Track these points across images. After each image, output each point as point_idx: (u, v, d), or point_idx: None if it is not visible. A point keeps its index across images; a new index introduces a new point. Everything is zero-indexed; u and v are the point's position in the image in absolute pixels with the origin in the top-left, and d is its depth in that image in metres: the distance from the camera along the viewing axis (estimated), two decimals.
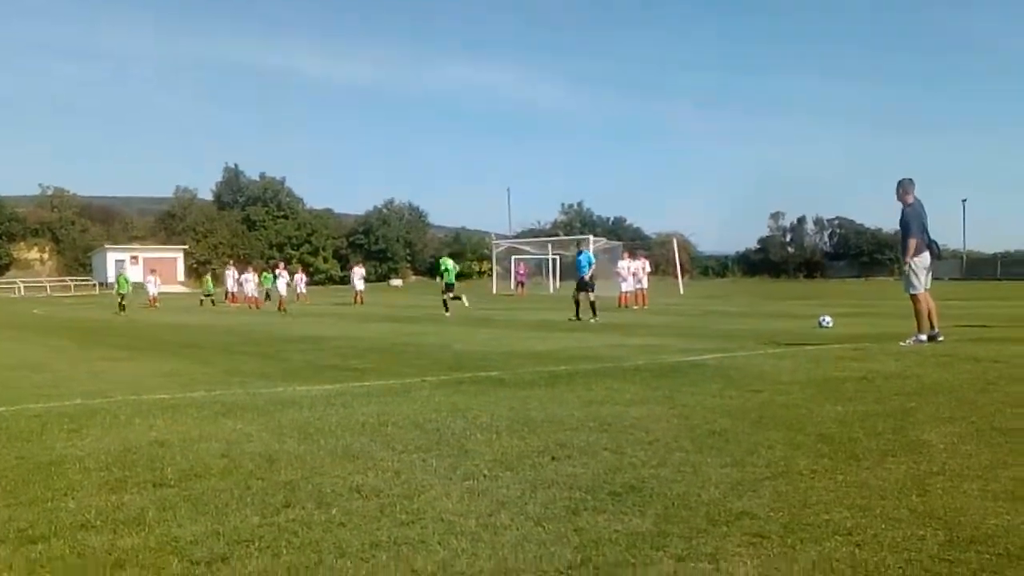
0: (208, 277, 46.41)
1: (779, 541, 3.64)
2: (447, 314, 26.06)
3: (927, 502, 4.15)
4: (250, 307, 36.41)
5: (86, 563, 3.55)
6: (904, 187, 12.36)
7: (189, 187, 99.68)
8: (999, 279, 72.11)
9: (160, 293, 42.73)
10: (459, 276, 35.27)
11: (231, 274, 43.10)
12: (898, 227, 12.63)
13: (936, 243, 12.56)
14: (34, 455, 5.68)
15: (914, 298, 12.38)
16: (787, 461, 5.07)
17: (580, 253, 23.88)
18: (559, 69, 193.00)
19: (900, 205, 12.41)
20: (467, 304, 27.88)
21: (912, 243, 12.23)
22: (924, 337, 12.16)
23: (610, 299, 32.62)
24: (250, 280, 38.99)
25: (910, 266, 12.36)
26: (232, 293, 41.68)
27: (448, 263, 29.29)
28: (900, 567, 3.31)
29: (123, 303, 33.68)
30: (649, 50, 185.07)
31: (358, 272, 42.10)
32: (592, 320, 20.75)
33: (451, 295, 27.51)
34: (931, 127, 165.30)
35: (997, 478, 4.57)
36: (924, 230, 12.33)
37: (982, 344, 12.21)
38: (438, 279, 29.21)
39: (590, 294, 21.96)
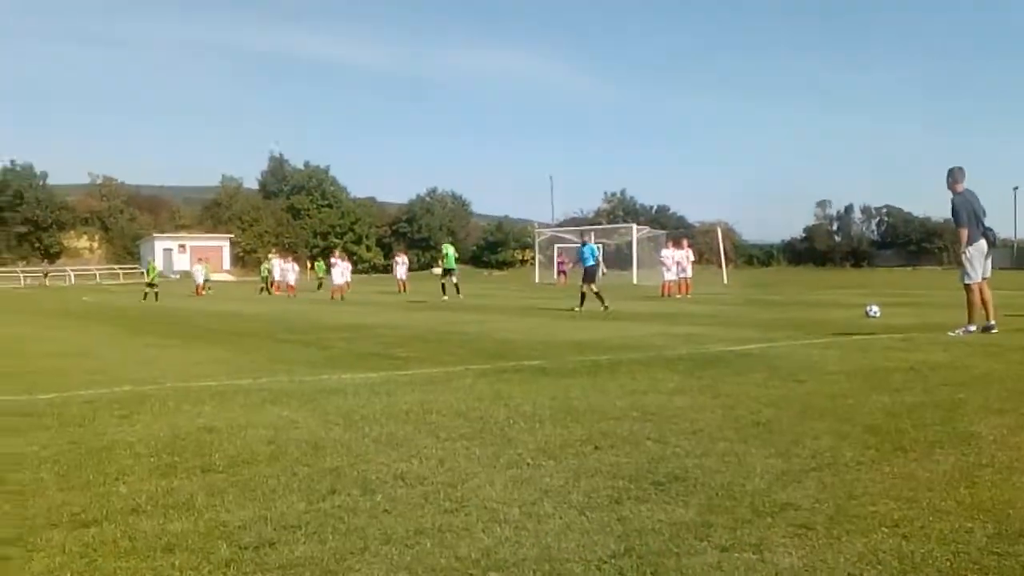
0: (266, 264, 46.64)
1: (824, 532, 3.62)
2: (444, 298, 27.65)
3: (975, 494, 4.10)
4: (288, 295, 36.89)
5: (137, 547, 3.62)
6: (954, 176, 12.20)
7: (235, 176, 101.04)
8: None
9: (209, 281, 43.41)
10: (503, 264, 36.44)
11: (277, 263, 43.50)
12: (950, 216, 12.45)
13: (992, 230, 12.32)
14: (86, 440, 5.79)
15: (968, 288, 12.22)
16: (833, 452, 5.03)
17: (584, 245, 24.04)
18: (604, 57, 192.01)
19: (951, 194, 12.20)
20: (446, 297, 28.40)
21: (964, 232, 12.05)
22: (973, 328, 11.98)
23: (654, 288, 32.53)
24: (290, 269, 39.51)
25: (965, 255, 12.18)
26: (277, 282, 42.09)
27: (449, 249, 31.37)
28: (947, 559, 3.28)
29: (155, 291, 34.11)
30: (694, 38, 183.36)
31: (401, 260, 42.21)
32: (603, 309, 20.74)
33: (454, 280, 29.44)
34: (983, 114, 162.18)
35: None
36: (977, 218, 12.11)
37: None
38: (440, 264, 30.82)
39: (593, 285, 22.05)
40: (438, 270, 24.98)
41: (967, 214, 12.04)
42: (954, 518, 3.76)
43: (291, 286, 39.32)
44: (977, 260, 12.12)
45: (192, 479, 4.71)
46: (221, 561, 3.44)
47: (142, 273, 70.22)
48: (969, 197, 12.19)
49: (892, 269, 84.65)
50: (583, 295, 21.94)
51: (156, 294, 33.97)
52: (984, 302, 12.18)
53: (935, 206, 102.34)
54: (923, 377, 8.04)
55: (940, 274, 66.45)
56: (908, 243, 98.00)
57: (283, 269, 41.58)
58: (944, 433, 5.50)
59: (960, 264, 12.49)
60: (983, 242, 12.13)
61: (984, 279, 12.18)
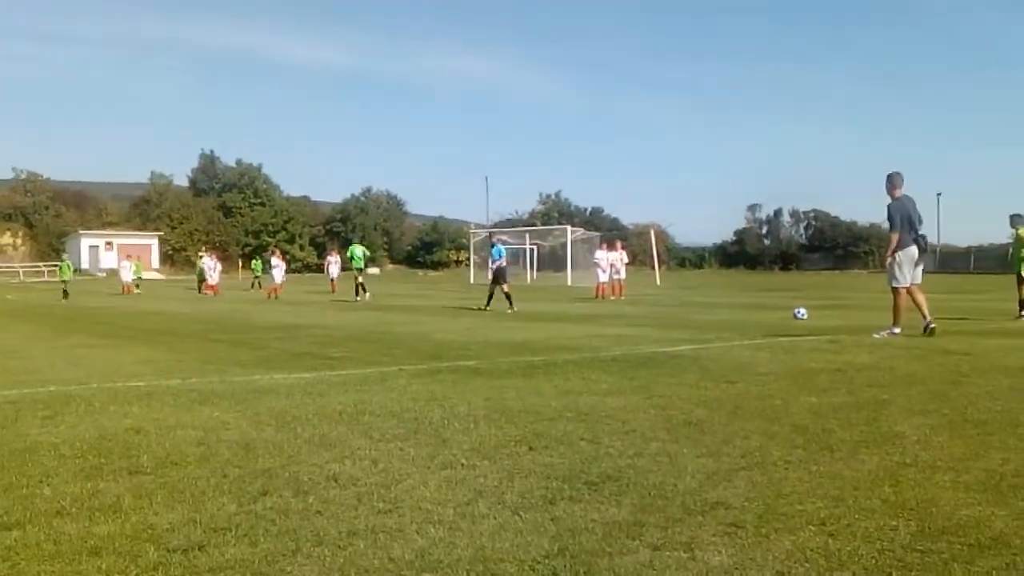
0: (258, 260, 45.13)
1: (753, 531, 3.67)
2: (357, 299, 28.24)
3: (899, 493, 4.20)
4: (214, 294, 36.31)
5: (62, 550, 3.53)
6: (892, 181, 12.45)
7: (164, 173, 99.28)
8: (972, 272, 72.82)
9: (140, 280, 42.41)
10: (438, 265, 36.83)
11: (208, 262, 42.59)
12: (884, 220, 12.79)
13: (924, 237, 12.57)
14: (8, 442, 5.63)
15: (895, 291, 12.43)
16: (762, 451, 5.11)
17: (493, 245, 24.54)
18: (538, 58, 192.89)
19: (889, 199, 12.48)
20: (359, 299, 28.79)
21: (894, 237, 12.30)
22: (898, 331, 12.21)
23: (588, 289, 32.73)
24: (214, 268, 38.83)
25: (894, 259, 12.38)
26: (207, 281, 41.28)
27: (356, 250, 32.15)
28: (873, 557, 3.36)
29: (66, 290, 33.16)
30: (627, 40, 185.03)
31: (334, 259, 41.66)
32: (509, 311, 21.16)
33: (359, 280, 29.96)
34: (908, 121, 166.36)
35: (968, 469, 4.63)
36: (911, 224, 12.34)
37: (954, 337, 12.33)
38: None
39: (503, 285, 22.43)
40: (374, 270, 24.95)
41: (901, 219, 12.26)
42: (879, 516, 3.85)
43: (215, 285, 38.74)
44: (907, 265, 12.32)
45: (119, 481, 4.61)
46: (149, 564, 3.37)
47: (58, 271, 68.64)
48: (906, 203, 12.40)
49: (819, 272, 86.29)
50: (491, 294, 22.50)
51: (65, 291, 33.05)
52: (918, 304, 12.39)
53: (861, 210, 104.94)
54: (848, 378, 8.22)
55: (865, 277, 67.94)
56: (835, 247, 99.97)
57: (206, 268, 40.99)
58: (869, 433, 5.63)
59: (889, 268, 12.68)
60: (914, 248, 12.34)
61: (915, 284, 12.39)
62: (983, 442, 5.32)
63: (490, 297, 22.50)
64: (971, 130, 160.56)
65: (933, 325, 12.27)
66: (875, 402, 6.82)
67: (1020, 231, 17.83)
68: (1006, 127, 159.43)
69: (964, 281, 49.27)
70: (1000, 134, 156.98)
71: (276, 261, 36.25)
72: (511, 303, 21.69)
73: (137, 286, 40.85)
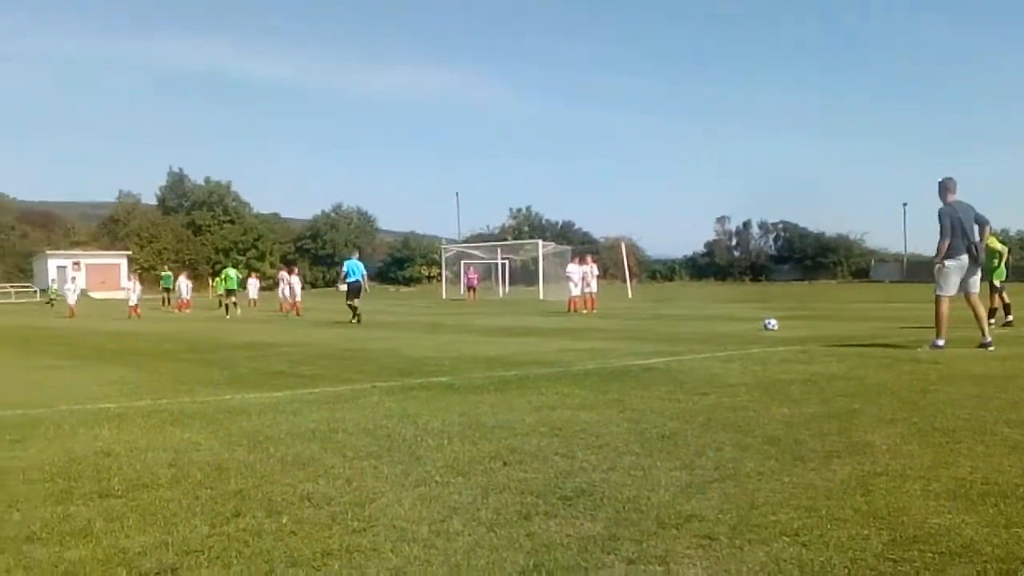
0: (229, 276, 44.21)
1: (728, 543, 3.69)
2: (227, 316, 31.28)
3: (871, 502, 4.24)
4: (180, 311, 36.03)
5: None
6: (944, 186, 11.95)
7: (132, 192, 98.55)
8: None
9: (102, 299, 41.78)
10: (410, 280, 38.28)
11: (183, 282, 42.05)
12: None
13: (976, 244, 11.92)
14: None
15: (937, 300, 12.02)
16: (735, 463, 5.14)
17: (347, 260, 26.37)
18: (507, 72, 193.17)
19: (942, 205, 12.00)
20: (228, 316, 31.39)
21: (943, 244, 11.80)
22: (942, 343, 11.78)
23: (560, 303, 32.79)
24: (188, 286, 38.49)
25: (942, 266, 11.94)
26: (183, 300, 40.80)
27: (230, 272, 35.33)
28: (846, 567, 3.38)
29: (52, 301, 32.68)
30: (596, 53, 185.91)
31: (288, 278, 41.66)
32: (352, 320, 24.01)
33: (232, 300, 33.38)
34: (875, 132, 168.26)
35: (939, 478, 4.67)
36: (963, 231, 11.77)
37: (922, 346, 12.45)
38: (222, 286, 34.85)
39: (356, 300, 24.85)
40: (343, 287, 25.11)
41: (952, 224, 11.73)
42: (851, 526, 3.88)
43: (187, 302, 38.50)
44: (955, 274, 11.89)
45: (89, 505, 4.56)
46: None
47: (40, 291, 67.61)
48: (958, 208, 11.88)
49: (789, 283, 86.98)
50: (354, 308, 24.65)
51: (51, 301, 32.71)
52: (976, 318, 11.96)
53: (829, 222, 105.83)
54: (820, 388, 8.28)
55: (834, 287, 68.64)
56: (804, 258, 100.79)
57: (184, 286, 40.69)
58: (840, 443, 5.67)
59: (936, 275, 12.15)
60: (965, 256, 11.84)
61: (972, 294, 11.99)
62: (952, 450, 5.37)
63: (354, 310, 24.59)
64: (938, 139, 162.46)
65: (992, 347, 11.67)
66: (846, 412, 6.88)
67: (990, 240, 18.06)
68: (970, 137, 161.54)
69: (930, 291, 49.86)
70: (966, 144, 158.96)
71: (293, 279, 36.25)
72: (355, 316, 24.20)
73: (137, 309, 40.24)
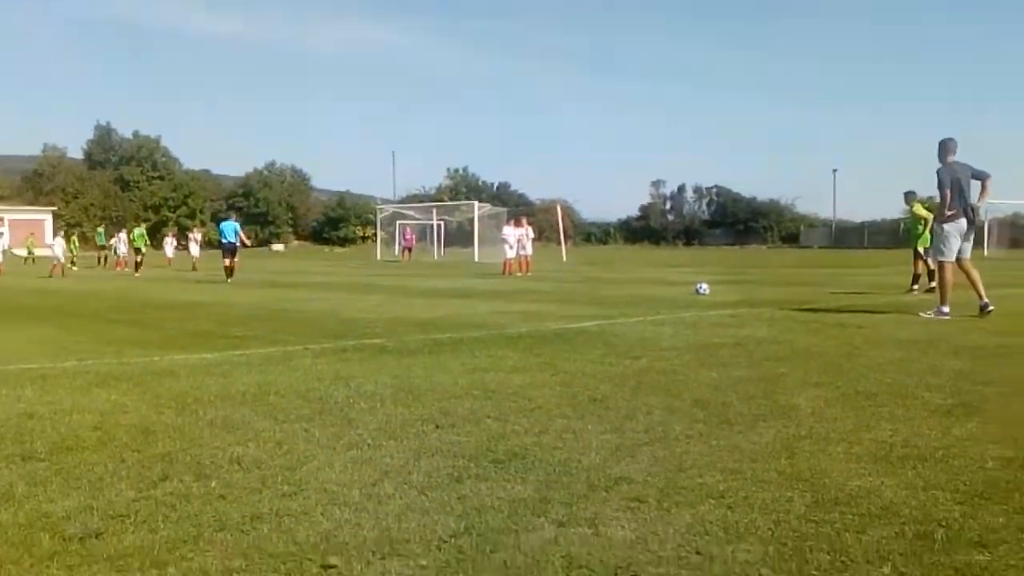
0: (111, 238, 42.88)
1: (656, 505, 3.75)
2: (137, 274, 32.13)
3: (795, 465, 4.33)
4: (119, 269, 35.30)
5: None
6: (944, 147, 11.55)
7: (58, 145, 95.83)
8: (865, 247, 75.27)
9: (32, 256, 40.64)
10: (344, 241, 39.45)
11: (120, 238, 41.05)
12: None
13: (974, 207, 11.45)
14: None
15: (940, 266, 11.75)
16: (664, 426, 5.21)
17: (223, 221, 28.61)
18: (444, 31, 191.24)
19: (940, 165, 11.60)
20: (138, 275, 32.03)
21: (946, 207, 11.33)
22: (947, 310, 11.39)
23: (495, 265, 32.80)
24: (59, 244, 37.17)
25: (941, 230, 11.59)
26: (120, 257, 39.74)
27: (136, 231, 36.30)
28: (769, 528, 3.46)
29: None
30: (533, 15, 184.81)
31: (194, 237, 41.54)
32: (228, 281, 25.08)
33: (140, 259, 34.41)
34: (806, 96, 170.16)
35: (860, 441, 4.80)
36: (960, 192, 11.31)
37: (848, 312, 12.74)
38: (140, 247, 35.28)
39: (227, 260, 26.40)
40: (279, 246, 25.76)
41: (951, 182, 11.32)
42: (775, 488, 3.96)
43: (124, 259, 37.62)
44: (954, 237, 11.47)
45: (11, 467, 4.46)
46: (44, 554, 3.27)
47: None
48: (957, 169, 11.48)
49: (721, 247, 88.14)
50: (229, 268, 26.13)
51: None
52: (972, 281, 11.48)
53: (761, 187, 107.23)
54: (748, 352, 8.43)
55: (765, 252, 69.73)
56: (736, 222, 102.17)
57: (113, 243, 39.88)
58: (766, 406, 5.78)
59: (935, 239, 11.85)
60: (963, 220, 11.41)
61: (964, 259, 11.58)
62: (874, 414, 5.52)
63: (228, 270, 26.07)
64: (867, 107, 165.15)
65: (991, 307, 11.30)
66: (773, 375, 7.01)
67: (915, 207, 18.45)
68: (901, 105, 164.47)
69: (858, 256, 50.95)
70: (895, 111, 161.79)
71: (193, 236, 36.68)
72: (229, 275, 25.64)
73: (73, 263, 39.62)
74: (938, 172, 11.54)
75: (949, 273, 11.59)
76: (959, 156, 11.65)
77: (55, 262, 33.65)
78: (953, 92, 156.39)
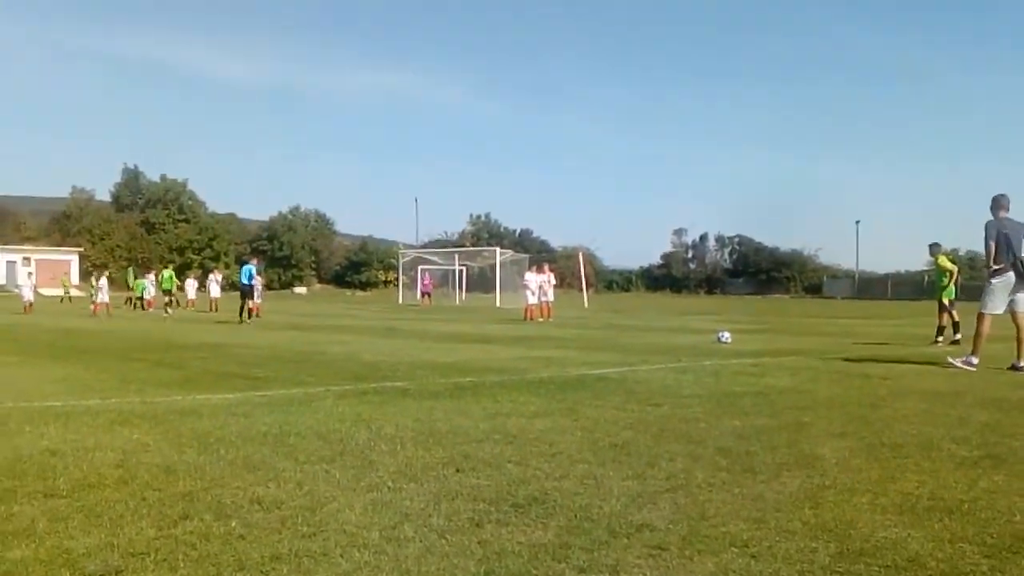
0: (140, 280, 42.60)
1: (678, 552, 3.70)
2: (166, 313, 33.43)
3: (819, 515, 4.28)
4: (103, 311, 34.93)
5: None
6: (996, 202, 11.54)
7: (86, 188, 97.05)
8: (889, 299, 74.80)
9: (51, 296, 40.91)
10: (366, 284, 41.27)
11: (149, 279, 41.31)
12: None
13: (1022, 260, 11.34)
14: None
15: (979, 317, 11.68)
16: (686, 474, 5.16)
17: (244, 264, 29.12)
18: (468, 78, 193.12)
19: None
20: (168, 313, 33.78)
21: (993, 260, 11.38)
22: (976, 360, 11.36)
23: (516, 311, 32.79)
24: (104, 285, 37.02)
25: (988, 283, 11.58)
26: (150, 299, 39.83)
27: (165, 274, 38.80)
28: None
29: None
30: (557, 63, 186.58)
31: (216, 278, 41.94)
32: (243, 322, 25.87)
33: (169, 299, 36.24)
34: (829, 148, 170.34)
35: (886, 492, 4.74)
36: (1008, 246, 11.29)
37: (872, 362, 12.64)
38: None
39: (249, 302, 27.18)
40: (301, 289, 26.15)
41: (998, 238, 11.34)
42: (799, 538, 3.91)
43: (100, 304, 36.98)
44: (1000, 292, 11.48)
45: (34, 504, 4.47)
46: None
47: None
48: (1007, 224, 11.46)
49: (743, 296, 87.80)
50: (247, 310, 26.86)
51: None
52: (1019, 339, 11.39)
53: (783, 238, 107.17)
54: (771, 401, 8.36)
55: (787, 302, 69.40)
56: (758, 272, 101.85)
57: (141, 284, 40.15)
58: (790, 455, 5.72)
59: (983, 292, 11.72)
60: (1011, 274, 11.40)
61: (1019, 312, 11.43)
62: (899, 465, 5.45)
63: (242, 309, 26.76)
64: (890, 159, 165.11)
65: (1023, 368, 11.17)
66: (796, 425, 6.95)
67: (940, 259, 18.37)
68: (922, 157, 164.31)
69: (882, 307, 50.64)
70: (917, 164, 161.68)
71: (214, 277, 39.84)
72: (244, 316, 26.45)
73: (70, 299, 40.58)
74: (986, 225, 11.52)
75: (986, 325, 11.55)
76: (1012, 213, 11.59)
77: (99, 302, 33.99)
78: (973, 147, 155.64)
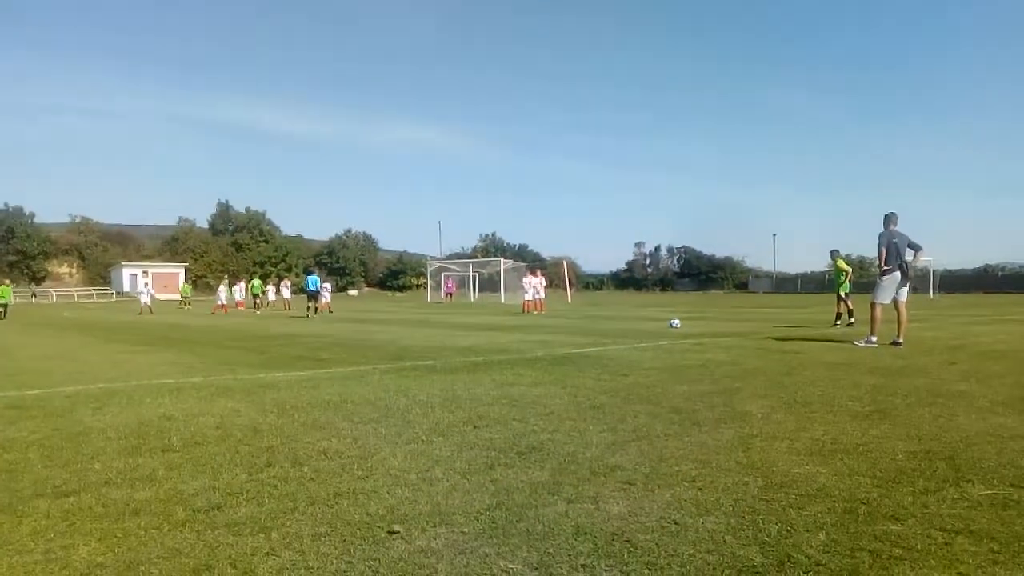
0: (256, 283, 42.20)
1: (642, 486, 3.71)
2: (256, 311, 33.80)
3: (749, 457, 4.28)
4: (224, 311, 35.03)
5: (109, 512, 3.43)
6: (887, 219, 11.47)
7: (189, 217, 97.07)
8: (799, 292, 74.64)
9: (164, 300, 41.05)
10: (403, 288, 41.13)
11: (239, 287, 41.24)
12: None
13: (907, 263, 11.43)
14: (66, 427, 5.44)
15: (872, 306, 11.62)
16: (648, 427, 5.16)
17: (309, 274, 29.13)
18: (479, 133, 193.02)
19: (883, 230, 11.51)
20: (257, 311, 33.59)
21: (884, 264, 11.39)
22: (875, 339, 11.34)
23: (516, 306, 32.76)
24: (223, 291, 37.13)
25: (879, 280, 11.56)
26: (239, 301, 39.80)
27: (255, 281, 38.32)
28: (730, 504, 3.42)
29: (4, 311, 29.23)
30: (549, 116, 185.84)
31: (287, 284, 42.41)
32: (311, 316, 25.87)
33: (256, 301, 35.96)
34: (757, 177, 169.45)
35: (799, 438, 4.74)
36: (897, 252, 11.32)
37: (787, 341, 12.62)
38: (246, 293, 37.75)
39: (312, 303, 27.14)
40: (354, 292, 26.22)
41: (888, 246, 11.32)
42: (734, 474, 3.92)
43: (224, 305, 37.14)
44: (888, 287, 11.49)
45: (154, 457, 4.48)
46: (178, 522, 3.29)
47: (116, 293, 66.11)
48: (894, 234, 11.39)
49: (688, 293, 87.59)
50: (309, 307, 27.04)
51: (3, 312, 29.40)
52: (899, 322, 11.43)
53: (719, 247, 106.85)
54: (711, 371, 8.35)
55: (722, 296, 69.19)
56: (699, 273, 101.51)
57: (232, 291, 40.15)
58: (726, 412, 5.72)
59: (874, 286, 11.73)
60: (897, 273, 11.43)
61: (900, 301, 11.49)
62: (809, 418, 5.45)
63: (309, 308, 26.93)
64: (799, 186, 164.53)
65: (900, 343, 11.11)
66: (730, 389, 6.94)
67: (838, 262, 18.35)
68: (823, 185, 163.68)
69: (794, 299, 50.50)
70: (819, 190, 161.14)
71: (285, 284, 39.59)
72: (311, 312, 26.65)
73: (187, 304, 40.81)
74: (880, 235, 11.47)
75: (879, 312, 11.57)
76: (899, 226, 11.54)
77: (220, 303, 35.05)
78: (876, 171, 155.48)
